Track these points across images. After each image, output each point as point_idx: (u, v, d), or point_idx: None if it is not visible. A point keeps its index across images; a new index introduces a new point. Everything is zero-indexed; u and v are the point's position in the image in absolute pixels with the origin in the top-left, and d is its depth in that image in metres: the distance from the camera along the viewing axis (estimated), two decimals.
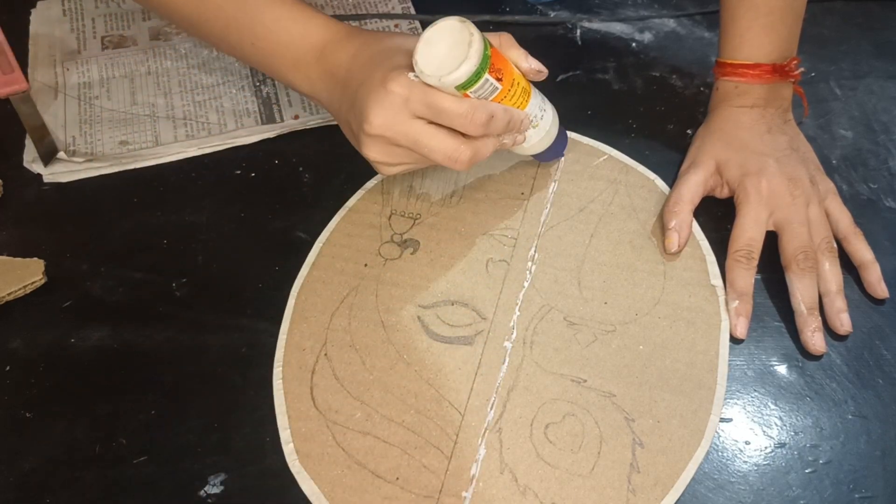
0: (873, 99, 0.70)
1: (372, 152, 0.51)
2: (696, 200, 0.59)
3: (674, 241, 0.56)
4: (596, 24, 0.76)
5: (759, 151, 0.59)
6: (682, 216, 0.57)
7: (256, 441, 0.49)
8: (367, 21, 0.76)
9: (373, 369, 0.52)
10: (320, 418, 0.49)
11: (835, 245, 0.56)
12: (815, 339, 0.53)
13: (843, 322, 0.54)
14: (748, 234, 0.56)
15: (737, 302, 0.54)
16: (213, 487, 0.47)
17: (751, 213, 0.56)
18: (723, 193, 0.60)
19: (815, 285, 0.54)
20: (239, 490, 0.47)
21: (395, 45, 0.52)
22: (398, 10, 0.77)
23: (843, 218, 0.58)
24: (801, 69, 0.62)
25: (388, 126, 0.49)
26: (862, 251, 0.57)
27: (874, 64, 0.73)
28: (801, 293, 0.54)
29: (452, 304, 0.55)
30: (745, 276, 0.55)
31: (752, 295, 0.54)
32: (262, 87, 0.70)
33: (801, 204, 0.56)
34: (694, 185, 0.59)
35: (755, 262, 0.55)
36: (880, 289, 0.55)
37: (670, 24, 0.76)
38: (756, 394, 0.51)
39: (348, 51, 0.53)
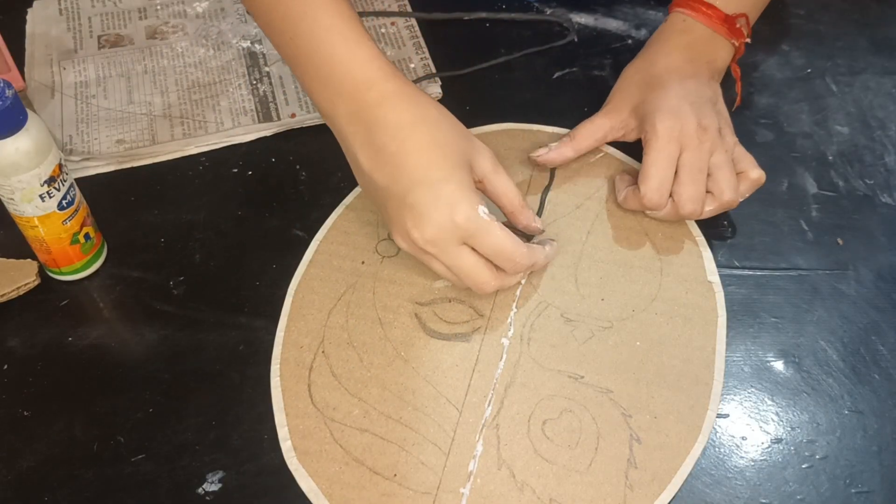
0: (870, 95, 0.70)
1: (405, 247, 0.52)
2: (593, 145, 0.61)
3: (541, 152, 0.60)
4: (592, 21, 0.76)
5: (676, 94, 0.58)
6: (563, 150, 0.60)
7: (254, 439, 0.49)
8: (365, 19, 0.76)
9: (370, 366, 0.52)
10: (318, 415, 0.49)
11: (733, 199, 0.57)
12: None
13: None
14: (662, 172, 0.56)
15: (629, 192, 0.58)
16: (212, 485, 0.47)
17: (663, 150, 0.56)
18: (631, 137, 0.61)
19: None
20: (237, 488, 0.47)
21: (458, 135, 0.52)
22: (394, 8, 0.77)
23: (754, 169, 0.58)
24: (747, 40, 0.62)
25: (437, 244, 0.49)
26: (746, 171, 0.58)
27: (871, 60, 0.73)
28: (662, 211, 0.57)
29: (450, 301, 0.55)
30: (640, 206, 0.57)
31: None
32: (259, 85, 0.70)
33: (706, 149, 0.56)
34: (597, 128, 0.61)
35: (663, 203, 0.56)
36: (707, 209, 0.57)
37: None
38: (753, 389, 0.52)
39: (400, 117, 0.50)
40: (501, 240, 0.49)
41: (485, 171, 0.53)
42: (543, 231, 0.56)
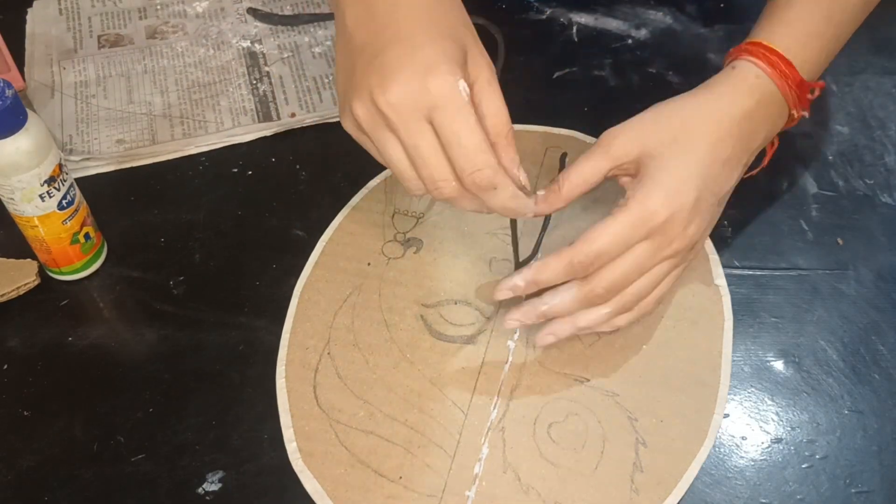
0: (870, 95, 0.70)
1: (362, 117, 0.43)
2: (586, 191, 0.49)
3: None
4: (592, 21, 0.76)
5: (691, 176, 0.46)
6: (552, 201, 0.49)
7: (255, 439, 0.49)
8: None
9: (376, 368, 0.52)
10: (323, 417, 0.49)
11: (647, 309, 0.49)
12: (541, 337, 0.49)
13: (544, 339, 0.49)
14: (610, 247, 0.46)
15: (521, 283, 0.47)
16: (212, 485, 0.47)
17: (631, 229, 0.46)
18: (625, 181, 0.50)
19: (574, 307, 0.48)
20: (237, 487, 0.47)
21: (459, 20, 0.44)
22: None
23: (665, 287, 0.50)
24: (805, 113, 0.51)
25: (399, 110, 0.41)
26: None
27: (871, 60, 0.73)
28: (559, 299, 0.47)
29: (455, 304, 0.55)
30: (559, 277, 0.47)
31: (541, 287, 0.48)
32: (259, 85, 0.70)
33: (665, 255, 0.47)
34: (594, 173, 0.49)
35: (585, 274, 0.46)
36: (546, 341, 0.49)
37: (667, 20, 0.76)
38: (753, 389, 0.52)
39: None
40: (470, 129, 0.41)
41: (479, 75, 0.43)
42: (525, 188, 0.46)
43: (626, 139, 0.48)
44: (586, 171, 0.49)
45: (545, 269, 0.47)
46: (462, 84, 0.41)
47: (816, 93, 0.51)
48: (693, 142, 0.47)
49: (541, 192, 0.49)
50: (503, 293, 0.49)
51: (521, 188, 0.45)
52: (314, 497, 0.46)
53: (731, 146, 0.48)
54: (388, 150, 0.44)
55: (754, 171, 0.55)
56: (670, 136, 0.48)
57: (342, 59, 0.46)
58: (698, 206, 0.47)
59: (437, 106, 0.41)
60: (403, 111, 0.41)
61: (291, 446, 0.48)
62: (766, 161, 0.54)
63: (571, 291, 0.47)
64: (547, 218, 0.59)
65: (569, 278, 0.47)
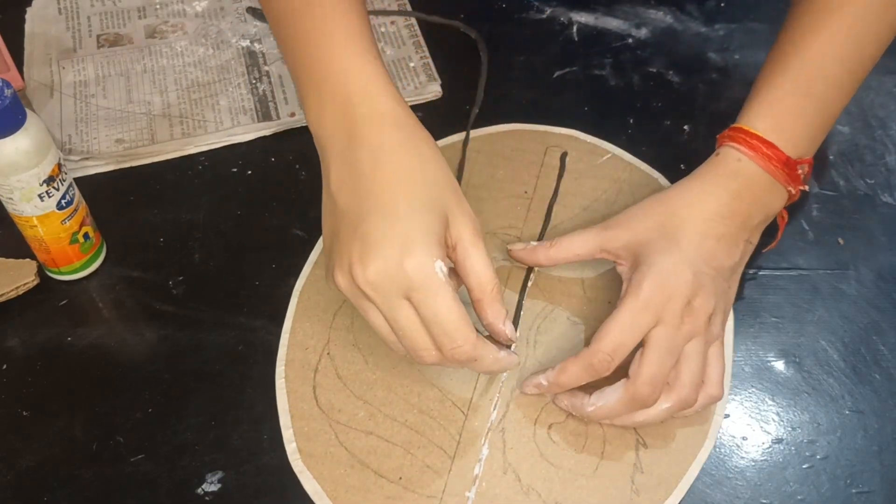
0: (870, 94, 0.69)
1: (343, 287, 0.44)
2: (572, 259, 0.52)
3: (517, 246, 0.53)
4: (592, 20, 0.76)
5: (684, 255, 0.48)
6: (537, 254, 0.52)
7: (254, 439, 0.49)
8: None
9: (376, 368, 0.51)
10: (323, 417, 0.49)
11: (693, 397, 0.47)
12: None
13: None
14: (622, 337, 0.46)
15: (545, 383, 0.48)
16: (211, 485, 0.47)
17: (636, 315, 0.46)
18: (620, 269, 0.51)
19: (625, 410, 0.46)
20: (237, 488, 0.47)
21: (442, 180, 0.45)
22: (394, 7, 0.76)
23: (716, 368, 0.48)
24: (804, 186, 0.52)
25: (378, 288, 0.42)
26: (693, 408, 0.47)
27: None
28: (609, 404, 0.46)
29: None
30: (583, 379, 0.47)
31: (566, 391, 0.48)
32: (259, 84, 0.70)
33: (684, 333, 0.46)
34: (582, 244, 0.52)
35: (607, 373, 0.46)
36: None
37: (667, 19, 0.76)
38: (753, 390, 0.52)
39: (384, 140, 0.45)
40: (447, 308, 0.42)
41: (461, 236, 0.45)
42: (514, 343, 0.48)
43: (620, 226, 0.51)
44: (577, 243, 0.52)
45: (564, 373, 0.47)
46: (439, 264, 0.42)
47: (807, 169, 0.52)
48: (682, 224, 0.49)
49: (533, 243, 0.53)
50: (530, 390, 0.49)
51: (507, 341, 0.47)
52: (314, 498, 0.46)
53: (723, 224, 0.49)
54: (370, 317, 0.45)
55: (772, 245, 0.55)
56: (659, 223, 0.49)
57: (327, 217, 0.47)
58: (698, 280, 0.47)
59: (413, 287, 0.42)
60: (381, 289, 0.42)
61: (291, 447, 0.48)
62: (779, 235, 0.55)
63: (618, 393, 0.46)
64: (547, 217, 0.59)
65: (593, 378, 0.46)
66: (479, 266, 0.45)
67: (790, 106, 0.51)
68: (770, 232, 0.54)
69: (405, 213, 0.43)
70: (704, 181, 0.51)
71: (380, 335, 0.45)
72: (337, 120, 0.46)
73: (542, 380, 0.48)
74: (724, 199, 0.50)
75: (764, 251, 0.56)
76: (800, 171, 0.51)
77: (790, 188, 0.51)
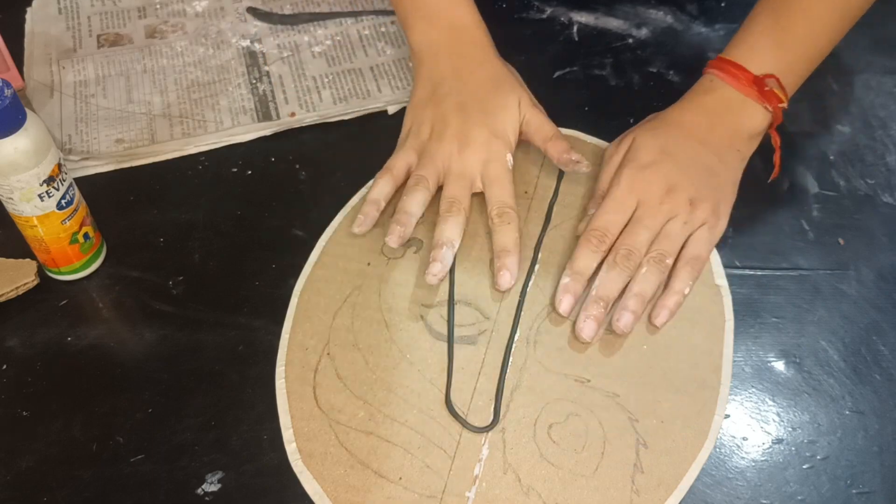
0: (871, 94, 0.69)
1: (426, 142, 0.59)
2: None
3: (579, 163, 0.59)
4: (592, 20, 0.76)
5: (664, 147, 0.56)
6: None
7: (254, 439, 0.49)
8: (363, 17, 0.75)
9: (376, 368, 0.51)
10: (323, 418, 0.49)
11: (668, 262, 0.53)
12: (585, 325, 0.51)
13: (621, 318, 0.51)
14: (609, 217, 0.54)
15: (568, 279, 0.53)
16: (211, 486, 0.47)
17: (618, 199, 0.55)
18: None
19: (620, 282, 0.52)
20: (237, 488, 0.47)
21: (512, 90, 0.61)
22: None
23: (696, 250, 0.54)
24: (782, 105, 0.57)
25: (466, 151, 0.57)
26: (680, 279, 0.53)
27: (872, 59, 0.73)
28: (602, 281, 0.52)
29: (456, 304, 0.54)
30: (590, 258, 0.53)
31: (587, 277, 0.53)
32: (259, 84, 0.70)
33: (662, 212, 0.54)
34: (615, 166, 0.59)
35: (605, 247, 0.53)
36: (659, 318, 0.52)
37: (667, 19, 0.76)
38: (754, 390, 0.51)
39: (476, 53, 0.62)
40: (508, 178, 0.57)
41: (527, 117, 0.60)
42: (579, 161, 0.58)
43: (627, 135, 0.60)
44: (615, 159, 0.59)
45: (574, 260, 0.54)
46: (509, 156, 0.58)
47: (778, 86, 0.57)
48: (667, 129, 0.58)
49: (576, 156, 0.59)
50: (565, 301, 0.53)
51: (574, 165, 0.58)
52: (314, 498, 0.46)
53: (704, 131, 0.58)
54: (425, 171, 0.58)
55: (774, 172, 0.60)
56: (651, 126, 0.59)
57: (423, 99, 0.62)
58: (678, 170, 0.55)
59: (490, 160, 0.58)
60: (468, 153, 0.58)
61: (291, 447, 0.48)
62: (776, 161, 0.60)
63: (605, 269, 0.53)
64: (548, 217, 0.59)
65: (600, 256, 0.53)
66: (538, 123, 0.60)
67: (765, 36, 0.58)
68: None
69: (493, 110, 0.59)
70: (684, 100, 0.60)
71: (411, 190, 0.57)
72: (444, 39, 0.63)
73: (565, 278, 0.53)
74: (700, 112, 0.59)
75: (769, 181, 0.61)
76: (768, 88, 0.57)
77: (765, 105, 0.57)
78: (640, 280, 0.52)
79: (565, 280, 0.53)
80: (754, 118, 0.58)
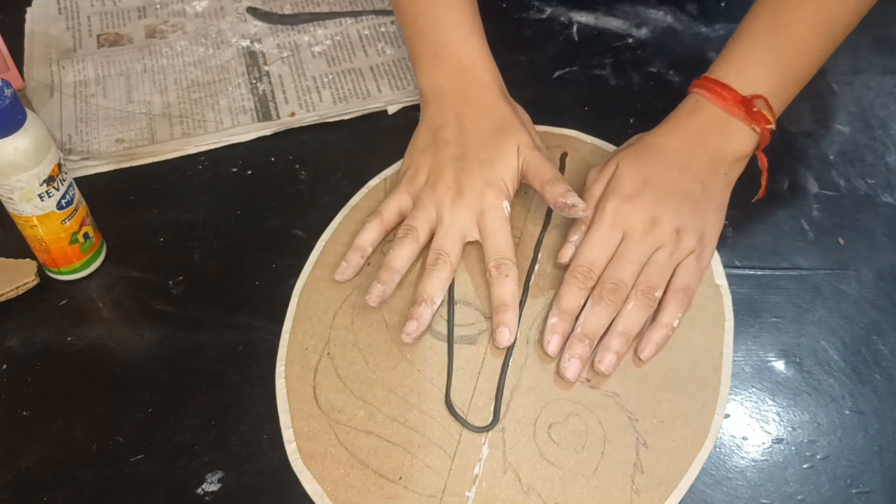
0: (871, 94, 0.70)
1: (420, 189, 0.57)
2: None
3: (567, 251, 0.55)
4: (592, 20, 0.76)
5: (646, 178, 0.55)
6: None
7: (254, 439, 0.49)
8: (364, 17, 0.75)
9: (376, 368, 0.51)
10: (323, 417, 0.49)
11: (656, 295, 0.52)
12: (570, 365, 0.50)
13: (603, 360, 0.50)
14: (594, 253, 0.53)
15: (556, 319, 0.52)
16: (211, 485, 0.47)
17: (603, 232, 0.54)
18: None
19: (605, 317, 0.51)
20: (237, 488, 0.47)
21: (514, 134, 0.59)
22: None
23: (684, 280, 0.53)
24: (770, 126, 0.56)
25: (460, 200, 0.56)
26: (668, 312, 0.52)
27: (872, 59, 0.73)
28: (587, 316, 0.51)
29: (456, 304, 0.54)
30: (577, 295, 0.52)
31: (575, 316, 0.52)
32: (259, 84, 0.70)
33: (647, 245, 0.53)
34: (596, 196, 0.57)
35: (591, 284, 0.52)
36: (645, 353, 0.51)
37: (667, 19, 0.76)
38: (754, 390, 0.51)
39: (483, 100, 0.61)
40: (505, 229, 0.55)
41: (526, 160, 0.58)
42: (584, 210, 0.54)
43: (611, 160, 0.58)
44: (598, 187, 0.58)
45: (561, 298, 0.53)
46: (506, 203, 0.56)
47: (766, 106, 0.56)
48: (639, 152, 0.57)
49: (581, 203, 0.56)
50: (553, 342, 0.51)
51: (572, 210, 0.54)
52: (314, 498, 0.46)
53: (687, 156, 0.56)
54: (418, 219, 0.56)
55: (759, 194, 0.59)
56: (634, 150, 0.58)
57: (421, 145, 0.60)
58: (658, 201, 0.54)
59: (485, 210, 0.56)
60: (462, 202, 0.56)
61: (291, 447, 0.48)
62: (763, 182, 0.59)
63: (591, 304, 0.52)
64: (548, 217, 0.59)
65: (585, 293, 0.53)
66: (536, 166, 0.57)
67: (753, 56, 0.57)
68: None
69: (490, 160, 0.57)
70: (669, 122, 0.59)
71: (400, 243, 0.55)
72: (450, 83, 0.61)
73: (552, 318, 0.52)
74: (683, 136, 0.57)
75: (752, 201, 0.59)
76: (756, 108, 0.55)
77: (753, 126, 0.56)
78: (625, 317, 0.51)
79: (552, 320, 0.52)
80: (741, 139, 0.56)
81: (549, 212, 0.60)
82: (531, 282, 0.55)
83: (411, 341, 0.52)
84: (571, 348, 0.50)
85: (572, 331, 0.52)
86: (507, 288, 0.53)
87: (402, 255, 0.55)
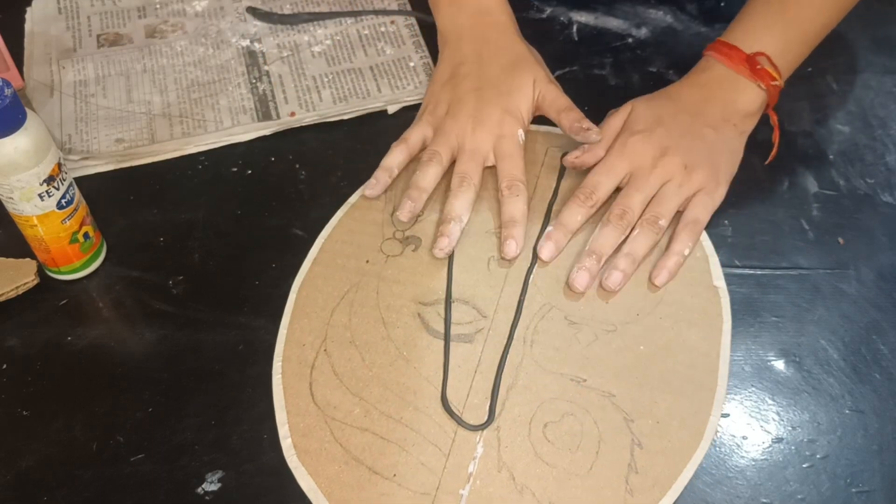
0: (871, 94, 0.69)
1: (441, 118, 0.61)
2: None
3: (574, 154, 0.60)
4: (592, 20, 0.76)
5: (659, 117, 0.59)
6: (597, 150, 0.59)
7: (254, 438, 0.49)
8: (363, 17, 0.75)
9: (372, 366, 0.51)
10: (319, 414, 0.49)
11: (661, 223, 0.56)
12: (578, 275, 0.54)
13: (610, 276, 0.54)
14: (598, 177, 0.57)
15: (552, 228, 0.56)
16: (211, 485, 0.47)
17: (610, 162, 0.58)
18: None
19: (612, 239, 0.55)
20: (237, 487, 0.47)
21: (530, 69, 0.63)
22: (394, 7, 0.76)
23: (695, 213, 0.56)
24: (776, 83, 0.59)
25: (479, 126, 0.60)
26: (679, 241, 0.55)
27: (872, 59, 0.73)
28: (595, 237, 0.55)
29: (453, 302, 0.54)
30: (576, 212, 0.56)
31: (572, 231, 0.56)
32: (259, 84, 0.70)
33: (656, 176, 0.57)
34: (613, 131, 0.61)
35: (592, 205, 0.56)
36: (659, 278, 0.54)
37: (667, 19, 0.76)
38: (753, 389, 0.52)
39: (501, 38, 0.65)
40: (519, 153, 0.59)
41: (542, 92, 0.63)
42: (598, 134, 0.59)
43: (626, 104, 0.62)
44: (612, 123, 0.61)
45: (562, 213, 0.57)
46: (520, 132, 0.60)
47: (770, 64, 0.59)
48: (654, 98, 0.62)
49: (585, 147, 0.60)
50: (547, 247, 0.56)
51: (587, 135, 0.59)
52: (309, 494, 0.46)
53: (688, 98, 0.61)
54: (440, 143, 0.61)
55: (773, 152, 0.62)
56: (650, 101, 0.62)
57: (444, 78, 0.64)
58: (669, 136, 0.57)
59: (502, 135, 0.60)
60: (481, 128, 0.60)
61: (286, 443, 0.48)
62: (775, 140, 0.62)
63: (599, 227, 0.56)
64: (547, 217, 0.59)
65: (586, 214, 0.57)
66: (553, 97, 0.62)
67: (760, 19, 0.61)
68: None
69: (508, 91, 0.61)
70: (683, 79, 0.63)
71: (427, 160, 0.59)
72: (469, 23, 0.66)
73: (548, 229, 0.57)
74: (695, 88, 0.62)
75: (766, 163, 0.62)
76: (760, 66, 0.59)
77: (758, 83, 0.59)
78: (631, 241, 0.55)
79: (549, 228, 0.56)
80: (747, 95, 0.60)
81: (549, 212, 0.59)
82: (529, 281, 0.56)
83: (443, 256, 0.56)
84: (580, 262, 0.54)
85: (566, 243, 0.56)
86: (518, 206, 0.57)
87: (429, 175, 0.59)
